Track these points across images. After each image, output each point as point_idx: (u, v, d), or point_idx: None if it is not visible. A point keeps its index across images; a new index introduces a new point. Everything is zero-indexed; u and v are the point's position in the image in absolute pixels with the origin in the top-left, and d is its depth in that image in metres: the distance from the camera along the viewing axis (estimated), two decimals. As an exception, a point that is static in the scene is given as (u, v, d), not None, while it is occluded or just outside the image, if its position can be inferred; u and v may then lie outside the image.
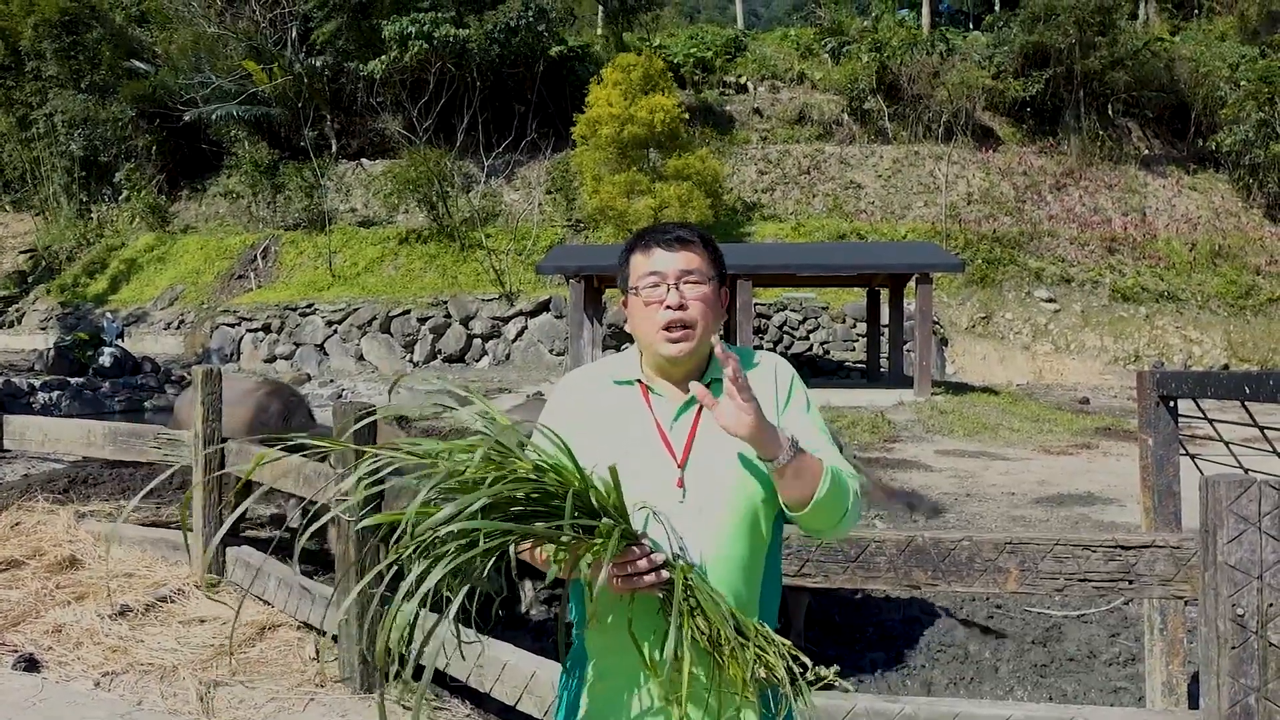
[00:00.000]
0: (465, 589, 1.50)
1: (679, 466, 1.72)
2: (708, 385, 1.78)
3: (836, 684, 1.55)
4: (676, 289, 1.75)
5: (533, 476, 1.54)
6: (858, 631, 5.19)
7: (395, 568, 1.54)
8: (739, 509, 1.71)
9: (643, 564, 1.56)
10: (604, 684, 1.72)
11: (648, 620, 1.63)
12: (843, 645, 4.96)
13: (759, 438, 1.57)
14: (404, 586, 1.48)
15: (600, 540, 1.52)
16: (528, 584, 5.15)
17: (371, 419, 3.59)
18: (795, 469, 1.60)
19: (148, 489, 1.85)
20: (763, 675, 1.54)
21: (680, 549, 1.64)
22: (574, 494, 1.52)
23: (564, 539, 1.52)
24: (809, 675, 1.55)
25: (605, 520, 1.54)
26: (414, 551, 1.51)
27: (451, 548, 1.48)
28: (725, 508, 1.70)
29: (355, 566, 3.72)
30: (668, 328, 1.74)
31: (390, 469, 1.64)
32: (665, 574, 1.57)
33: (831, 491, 1.65)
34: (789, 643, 1.59)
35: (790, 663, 1.56)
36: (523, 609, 5.12)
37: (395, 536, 1.54)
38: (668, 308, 1.74)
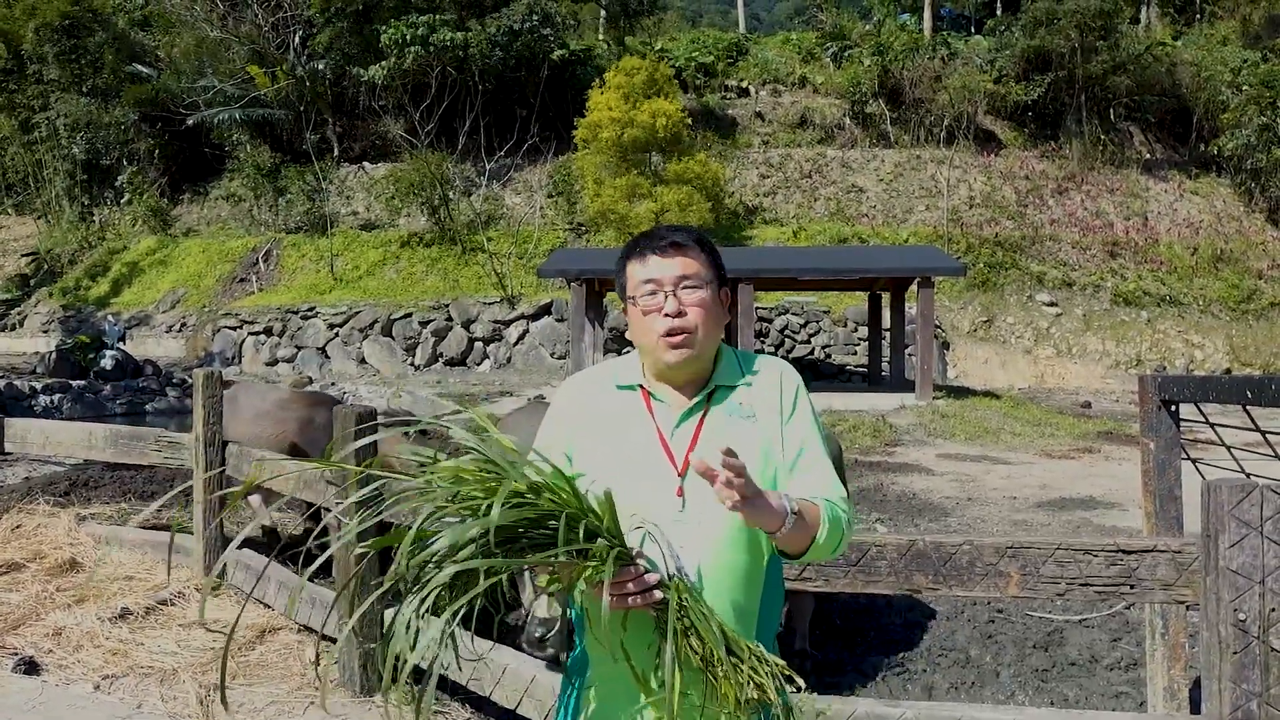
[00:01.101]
0: (460, 615, 1.49)
1: (679, 475, 1.70)
2: (711, 392, 1.77)
3: (827, 713, 1.56)
4: (674, 296, 1.73)
5: (528, 498, 1.53)
6: (859, 635, 5.18)
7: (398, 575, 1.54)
8: (739, 519, 1.69)
9: (636, 585, 1.55)
10: (605, 688, 1.72)
11: (642, 636, 1.62)
12: (844, 649, 4.95)
13: (758, 522, 1.56)
14: (403, 612, 1.47)
15: (595, 563, 1.52)
16: (529, 587, 5.14)
17: (372, 425, 3.60)
18: (793, 532, 1.60)
19: (163, 500, 1.85)
20: (755, 696, 1.53)
21: (678, 567, 1.63)
22: (568, 517, 1.51)
23: (559, 561, 1.51)
24: (802, 697, 1.55)
25: (600, 542, 1.52)
26: (411, 575, 1.50)
27: (447, 575, 1.47)
28: (725, 517, 1.68)
29: (355, 573, 3.72)
30: (668, 334, 1.72)
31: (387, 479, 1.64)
32: (659, 594, 1.56)
33: (829, 537, 1.65)
34: (783, 663, 1.59)
35: (783, 684, 1.55)
36: (523, 611, 5.10)
37: (394, 562, 1.54)
38: (666, 315, 1.72)
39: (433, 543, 1.49)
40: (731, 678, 1.52)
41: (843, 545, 1.73)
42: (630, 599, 1.55)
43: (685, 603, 1.56)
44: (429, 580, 1.48)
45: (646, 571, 1.57)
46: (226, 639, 1.59)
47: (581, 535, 1.51)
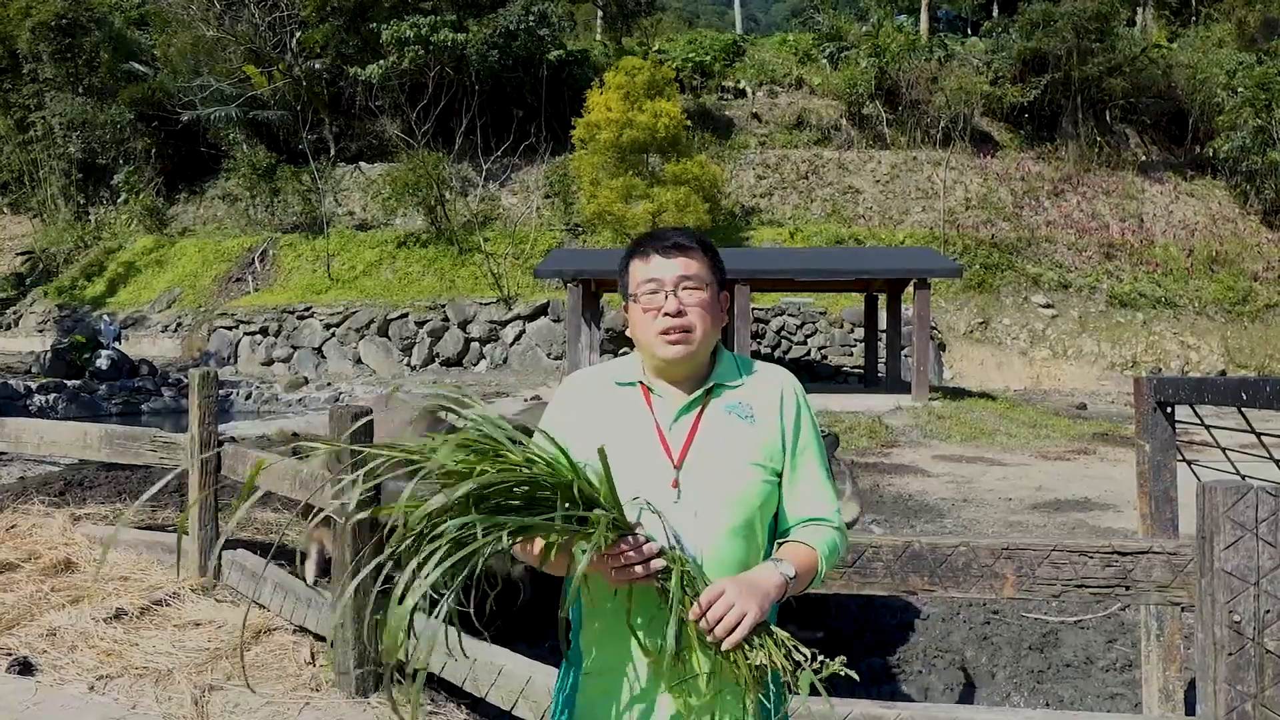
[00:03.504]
0: (459, 584, 1.50)
1: (675, 467, 1.72)
2: (709, 390, 1.79)
3: (844, 673, 1.55)
4: (674, 295, 1.76)
5: (523, 467, 1.55)
6: (854, 636, 5.18)
7: (390, 567, 1.55)
8: (734, 511, 1.72)
9: (635, 555, 1.57)
10: (600, 680, 1.73)
11: (647, 612, 1.64)
12: (839, 650, 4.95)
13: (768, 607, 1.60)
14: (402, 579, 1.49)
15: (593, 531, 1.53)
16: (517, 571, 5.13)
17: (367, 419, 3.59)
18: (794, 588, 1.68)
19: (153, 490, 1.84)
20: (763, 662, 1.54)
21: (676, 539, 1.65)
22: (564, 485, 1.53)
23: (556, 530, 1.53)
24: (814, 665, 1.56)
25: (597, 511, 1.54)
26: (408, 545, 1.52)
27: (444, 542, 1.49)
28: (720, 509, 1.71)
29: (351, 570, 3.71)
30: (666, 332, 1.75)
31: (386, 464, 1.64)
32: (659, 564, 1.58)
33: (827, 569, 1.76)
34: (789, 634, 1.60)
35: (791, 652, 1.56)
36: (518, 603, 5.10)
37: (386, 530, 1.56)
38: (666, 314, 1.75)
39: (429, 503, 1.51)
40: (739, 647, 1.55)
41: (839, 559, 1.82)
42: (630, 570, 1.57)
43: (687, 571, 1.58)
44: (424, 549, 1.49)
45: (647, 541, 1.59)
46: (240, 634, 1.60)
47: (578, 504, 1.53)
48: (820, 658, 1.56)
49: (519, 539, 1.57)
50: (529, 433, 1.66)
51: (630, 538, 1.58)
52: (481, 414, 1.65)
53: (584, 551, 1.52)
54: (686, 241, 1.81)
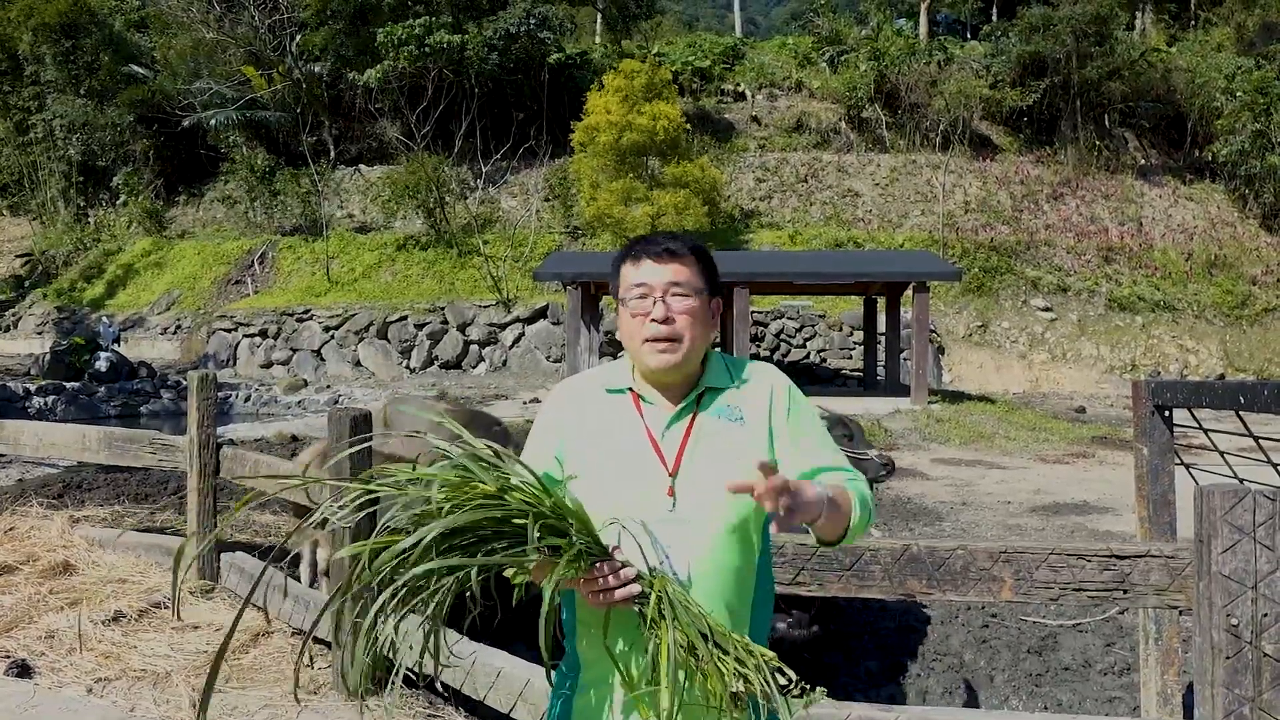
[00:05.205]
0: (435, 603, 1.51)
1: (670, 475, 1.71)
2: (700, 394, 1.78)
3: (822, 702, 1.54)
4: (663, 302, 1.74)
5: (495, 498, 1.53)
6: (853, 639, 5.18)
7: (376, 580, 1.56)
8: (730, 518, 1.71)
9: (613, 579, 1.55)
10: (594, 692, 1.72)
11: (627, 634, 1.63)
12: (838, 653, 4.95)
13: (801, 518, 1.52)
14: (370, 613, 1.50)
15: (565, 559, 1.52)
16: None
17: (367, 435, 3.59)
18: (828, 519, 1.59)
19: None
20: (741, 688, 1.51)
21: (662, 560, 1.63)
22: (536, 515, 1.51)
23: (525, 564, 1.52)
24: (794, 689, 1.53)
25: (569, 540, 1.53)
26: (377, 580, 1.52)
27: (413, 576, 1.49)
28: (716, 517, 1.70)
29: (348, 577, 3.71)
30: (653, 340, 1.74)
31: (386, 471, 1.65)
32: (634, 589, 1.55)
33: (860, 518, 1.67)
34: (773, 655, 1.58)
35: (773, 675, 1.54)
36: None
37: (356, 570, 1.56)
38: (653, 320, 1.74)
39: (399, 544, 1.50)
40: (716, 670, 1.51)
41: (868, 525, 1.73)
42: (606, 595, 1.55)
43: (666, 596, 1.55)
44: (397, 582, 1.50)
45: (623, 566, 1.57)
46: (230, 633, 1.59)
47: (550, 534, 1.52)
48: (802, 684, 1.54)
49: (484, 575, 1.55)
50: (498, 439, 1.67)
51: (606, 563, 1.55)
52: (463, 444, 1.63)
53: (552, 584, 1.50)
54: (678, 248, 1.79)
